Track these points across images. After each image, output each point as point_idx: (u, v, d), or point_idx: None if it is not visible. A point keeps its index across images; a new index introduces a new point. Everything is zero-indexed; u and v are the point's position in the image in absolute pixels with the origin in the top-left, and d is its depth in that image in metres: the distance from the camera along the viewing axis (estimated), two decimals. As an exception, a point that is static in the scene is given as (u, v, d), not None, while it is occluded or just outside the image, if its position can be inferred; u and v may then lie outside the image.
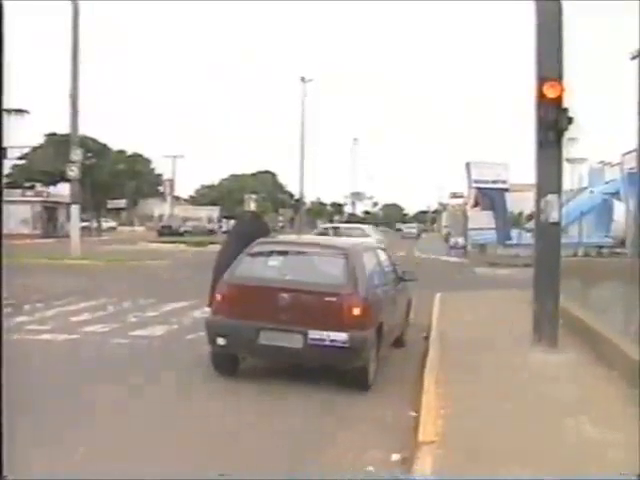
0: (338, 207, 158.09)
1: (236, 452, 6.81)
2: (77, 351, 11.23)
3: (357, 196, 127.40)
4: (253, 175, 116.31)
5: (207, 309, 10.49)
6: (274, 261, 9.99)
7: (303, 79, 66.75)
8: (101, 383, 9.10)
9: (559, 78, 10.82)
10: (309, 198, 65.34)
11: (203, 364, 9.89)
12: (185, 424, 7.60)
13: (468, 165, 48.13)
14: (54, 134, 73.19)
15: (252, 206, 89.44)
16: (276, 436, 7.27)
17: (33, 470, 5.58)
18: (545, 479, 5.59)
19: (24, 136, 66.23)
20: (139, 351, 11.36)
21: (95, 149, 75.03)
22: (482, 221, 46.60)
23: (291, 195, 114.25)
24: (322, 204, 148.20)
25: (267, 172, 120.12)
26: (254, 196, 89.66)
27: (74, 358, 10.71)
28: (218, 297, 9.58)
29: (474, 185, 48.22)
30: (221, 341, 9.36)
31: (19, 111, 54.85)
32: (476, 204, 51.54)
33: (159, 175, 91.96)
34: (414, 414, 8.02)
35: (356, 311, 8.97)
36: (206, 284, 10.52)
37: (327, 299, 9.06)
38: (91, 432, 7.16)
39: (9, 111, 55.33)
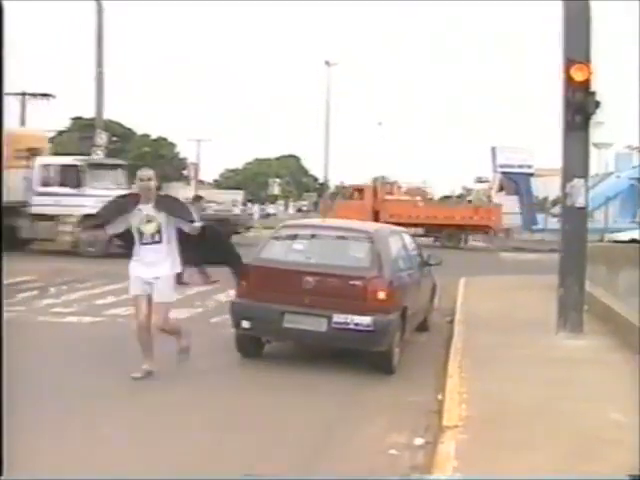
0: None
1: (261, 436, 6.81)
2: (102, 334, 11.26)
3: (381, 180, 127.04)
4: (277, 159, 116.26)
5: (232, 292, 10.51)
6: (299, 244, 9.99)
7: (328, 63, 66.28)
8: (124, 366, 9.09)
9: (587, 61, 10.71)
10: (333, 182, 65.04)
11: (227, 347, 9.90)
12: (209, 410, 7.60)
13: (494, 149, 47.90)
14: (80, 118, 73.56)
15: (276, 190, 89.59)
16: (300, 421, 7.29)
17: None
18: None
19: (50, 120, 66.54)
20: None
21: (120, 133, 75.36)
22: (507, 206, 46.42)
23: (315, 179, 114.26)
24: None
25: (291, 156, 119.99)
26: (278, 180, 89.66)
27: (99, 341, 10.74)
28: (243, 280, 9.59)
29: (499, 170, 48.04)
30: (245, 324, 9.38)
31: (45, 95, 55.10)
32: (501, 189, 51.35)
33: (183, 159, 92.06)
34: (438, 398, 8.01)
35: (381, 295, 8.95)
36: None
37: (352, 282, 9.05)
38: (109, 416, 7.20)
39: (35, 95, 55.71)
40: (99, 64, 34.23)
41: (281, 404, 7.80)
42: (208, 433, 6.79)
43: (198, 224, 8.53)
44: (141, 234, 8.42)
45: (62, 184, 25.94)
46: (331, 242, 10.04)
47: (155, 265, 8.40)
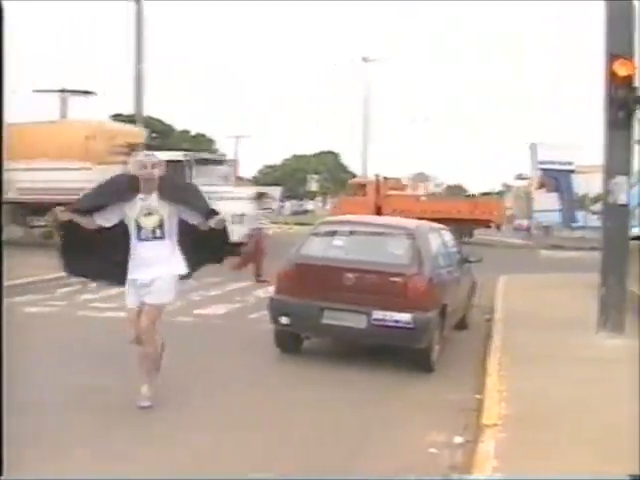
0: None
1: (298, 437, 6.80)
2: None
3: (420, 177, 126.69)
4: (315, 155, 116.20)
5: (271, 288, 10.53)
6: (339, 240, 10.00)
7: (365, 59, 65.98)
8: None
9: (630, 56, 10.56)
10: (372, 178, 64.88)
11: (265, 343, 9.94)
12: (245, 408, 7.59)
13: (534, 146, 47.50)
14: (120, 115, 74.21)
15: (314, 186, 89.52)
16: (337, 418, 7.27)
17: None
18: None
19: (91, 117, 67.05)
20: (202, 329, 11.45)
21: (160, 129, 75.81)
22: (547, 203, 46.03)
23: (354, 175, 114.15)
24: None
25: (329, 152, 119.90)
26: (316, 176, 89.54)
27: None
28: (282, 276, 9.63)
29: (539, 166, 47.62)
30: (284, 320, 9.41)
31: (85, 92, 55.55)
32: (542, 186, 50.87)
33: (222, 155, 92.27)
34: (477, 397, 7.96)
35: (420, 292, 8.93)
36: (273, 265, 10.50)
37: (391, 279, 9.04)
38: (143, 414, 7.19)
39: (76, 92, 56.09)
40: (138, 61, 34.51)
41: (319, 401, 7.80)
42: (245, 431, 6.81)
43: (221, 216, 7.12)
44: (139, 228, 7.10)
45: None
46: (371, 239, 10.04)
47: (155, 265, 7.09)
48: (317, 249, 9.85)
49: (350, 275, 9.10)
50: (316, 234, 10.18)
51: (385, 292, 9.01)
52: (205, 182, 24.95)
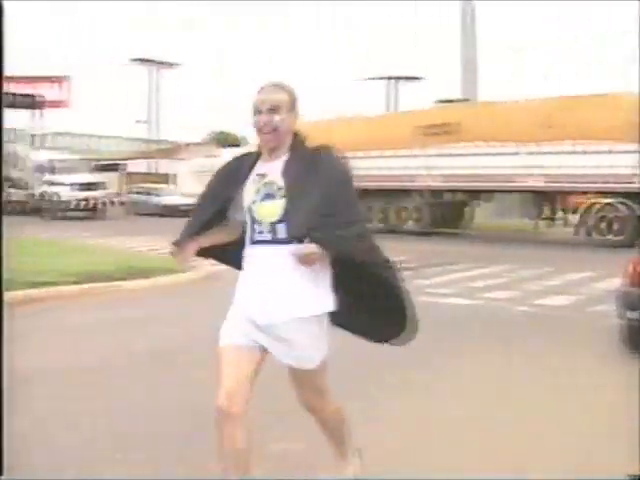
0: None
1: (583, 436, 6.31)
2: (483, 316, 11.22)
3: None
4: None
5: (615, 280, 10.00)
6: None
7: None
8: (506, 352, 8.96)
9: None
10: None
11: (610, 338, 9.38)
12: (588, 405, 7.05)
13: None
14: (449, 100, 74.69)
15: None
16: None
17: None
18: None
19: (418, 101, 68.79)
20: (544, 321, 11.13)
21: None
22: None
23: None
24: None
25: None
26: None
27: (483, 323, 10.73)
28: (636, 267, 9.05)
29: None
30: (633, 315, 8.83)
31: (411, 78, 56.73)
32: None
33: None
34: None
35: None
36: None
37: None
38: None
39: (404, 78, 57.50)
40: (468, 45, 34.60)
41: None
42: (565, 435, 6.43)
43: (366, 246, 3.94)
44: (253, 222, 3.77)
45: None
46: None
47: (274, 290, 3.67)
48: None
49: None
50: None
51: None
52: None
